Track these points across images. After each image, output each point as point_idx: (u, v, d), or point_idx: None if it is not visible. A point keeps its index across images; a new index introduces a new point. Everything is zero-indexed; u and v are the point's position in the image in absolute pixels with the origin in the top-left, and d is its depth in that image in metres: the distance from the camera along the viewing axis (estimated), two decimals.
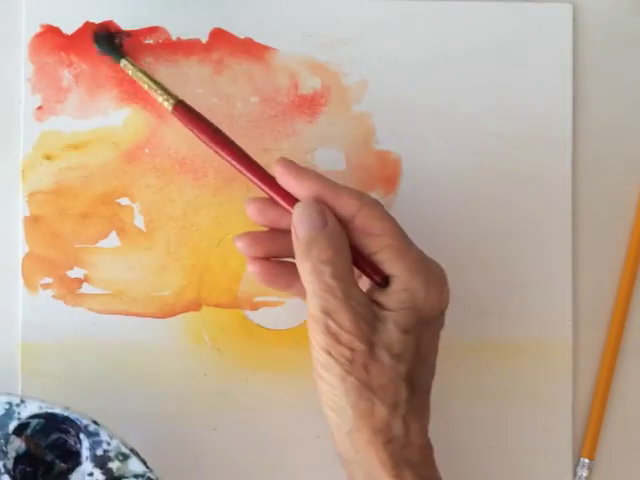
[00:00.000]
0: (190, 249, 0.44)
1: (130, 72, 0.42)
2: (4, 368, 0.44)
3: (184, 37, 0.44)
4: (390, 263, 0.37)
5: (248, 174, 0.39)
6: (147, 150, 0.44)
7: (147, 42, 0.44)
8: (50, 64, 0.44)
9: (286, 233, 0.38)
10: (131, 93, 0.44)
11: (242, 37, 0.44)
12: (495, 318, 0.45)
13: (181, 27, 0.44)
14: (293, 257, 0.38)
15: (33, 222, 0.44)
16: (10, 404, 0.39)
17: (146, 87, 0.41)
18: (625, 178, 0.46)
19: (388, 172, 0.45)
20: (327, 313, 0.35)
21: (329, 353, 0.35)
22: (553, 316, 0.45)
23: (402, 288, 0.36)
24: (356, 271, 0.38)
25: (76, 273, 0.44)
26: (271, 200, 0.38)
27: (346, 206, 0.37)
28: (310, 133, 0.45)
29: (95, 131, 0.44)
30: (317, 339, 0.36)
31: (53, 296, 0.44)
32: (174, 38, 0.44)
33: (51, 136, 0.44)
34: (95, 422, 0.39)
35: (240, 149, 0.39)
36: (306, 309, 0.44)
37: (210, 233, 0.44)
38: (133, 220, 0.44)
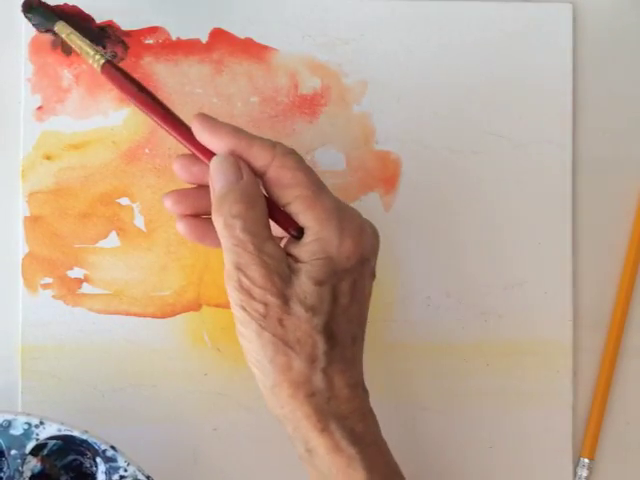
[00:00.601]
0: (190, 249, 0.44)
1: (64, 35, 0.41)
2: (4, 368, 0.44)
3: (184, 37, 0.44)
4: (302, 214, 0.36)
5: (170, 130, 0.38)
6: (147, 150, 0.44)
7: (147, 42, 0.44)
8: (50, 64, 0.44)
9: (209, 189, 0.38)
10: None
11: (242, 37, 0.44)
12: (495, 318, 0.45)
13: (181, 27, 0.44)
14: None
15: (33, 222, 0.44)
16: (29, 425, 0.39)
17: (78, 50, 0.41)
18: (625, 178, 0.46)
19: (388, 172, 0.45)
20: (239, 268, 0.35)
21: (244, 309, 0.35)
22: (553, 316, 0.45)
23: (313, 239, 0.36)
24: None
25: (76, 273, 0.44)
26: (195, 156, 0.38)
27: (259, 157, 0.36)
28: (310, 133, 0.45)
29: (95, 131, 0.44)
30: (232, 295, 0.35)
31: (53, 296, 0.44)
32: (174, 38, 0.44)
33: (51, 136, 0.44)
34: (113, 447, 0.39)
35: (164, 106, 0.39)
36: None
37: None
38: (133, 220, 0.44)
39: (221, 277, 0.44)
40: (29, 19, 0.42)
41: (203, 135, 0.37)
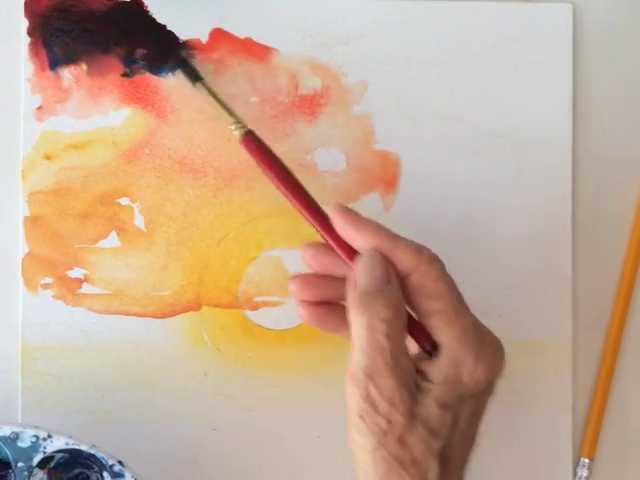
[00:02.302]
0: (190, 249, 0.44)
1: (205, 93, 0.41)
2: (4, 368, 0.44)
3: (184, 37, 0.44)
4: (440, 330, 0.35)
5: (308, 216, 0.38)
6: (147, 150, 0.44)
7: None
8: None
9: (338, 280, 0.36)
10: (131, 93, 0.44)
11: (242, 37, 0.44)
12: (495, 318, 0.45)
13: (181, 27, 0.44)
14: (340, 302, 0.37)
15: (33, 222, 0.44)
16: (37, 437, 0.39)
17: (217, 110, 0.41)
18: (625, 178, 0.46)
19: (388, 172, 0.45)
20: (370, 376, 0.33)
21: (363, 419, 0.33)
22: (553, 316, 0.45)
23: (448, 359, 0.34)
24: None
25: (76, 273, 0.44)
26: (327, 246, 0.37)
27: (403, 261, 0.35)
28: (310, 133, 0.45)
29: (95, 131, 0.44)
30: (353, 403, 0.34)
31: (53, 296, 0.44)
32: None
33: (51, 136, 0.44)
34: (120, 462, 0.39)
35: (303, 189, 0.38)
36: None
37: (210, 233, 0.44)
38: (133, 220, 0.44)
39: (221, 277, 0.44)
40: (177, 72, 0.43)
41: (346, 229, 0.36)
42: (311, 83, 0.45)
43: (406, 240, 0.36)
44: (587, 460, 0.45)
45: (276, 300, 0.45)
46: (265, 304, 0.44)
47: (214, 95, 0.41)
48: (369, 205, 0.45)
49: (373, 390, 0.33)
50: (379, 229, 0.36)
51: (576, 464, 0.46)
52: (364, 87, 0.45)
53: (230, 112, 0.40)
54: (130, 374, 0.44)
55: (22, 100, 0.44)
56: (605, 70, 0.46)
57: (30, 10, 0.43)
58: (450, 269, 0.44)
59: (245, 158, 0.44)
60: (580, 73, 0.46)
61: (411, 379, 0.34)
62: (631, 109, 0.46)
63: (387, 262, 0.35)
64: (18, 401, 0.43)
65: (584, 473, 0.45)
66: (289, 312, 0.44)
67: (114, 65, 0.43)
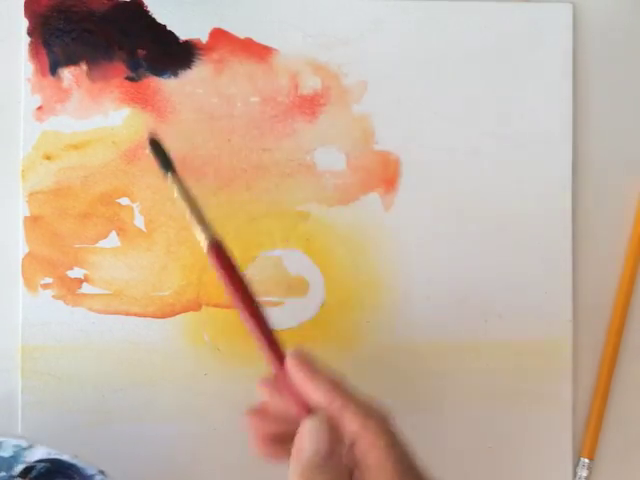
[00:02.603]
0: (190, 249, 0.44)
1: (175, 190, 0.38)
2: (4, 368, 0.44)
3: (184, 37, 0.44)
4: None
5: (262, 344, 0.35)
6: (147, 150, 0.44)
7: None
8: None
9: (289, 419, 0.35)
10: (131, 93, 0.44)
11: (242, 37, 0.44)
12: (495, 318, 0.45)
13: (181, 27, 0.44)
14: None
15: (33, 222, 0.44)
16: (18, 447, 0.39)
17: (186, 213, 0.37)
18: (625, 178, 0.46)
19: (388, 172, 0.45)
20: None
21: None
22: (553, 316, 0.45)
23: None
24: None
25: (76, 273, 0.44)
26: (277, 386, 0.36)
27: (351, 426, 0.34)
28: (310, 133, 0.45)
29: (95, 131, 0.44)
30: None
31: (53, 296, 0.44)
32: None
33: (51, 136, 0.44)
34: (102, 472, 0.39)
35: (263, 318, 0.35)
36: (306, 310, 0.45)
37: None
38: (133, 220, 0.44)
39: None
40: (151, 152, 0.38)
41: (298, 377, 0.35)
42: (311, 83, 0.45)
43: (357, 402, 0.34)
44: (587, 460, 0.45)
45: (276, 300, 0.45)
46: (265, 304, 0.44)
47: (184, 195, 0.37)
48: (369, 205, 0.45)
49: None
50: (333, 386, 0.34)
51: (576, 464, 0.46)
52: (364, 87, 0.45)
53: (200, 219, 0.37)
54: (130, 374, 0.44)
55: (22, 100, 0.44)
56: (605, 70, 0.46)
57: (30, 10, 0.43)
58: (450, 269, 0.44)
59: (245, 158, 0.44)
60: (580, 73, 0.46)
61: None
62: (631, 109, 0.46)
63: (334, 431, 0.34)
64: (18, 401, 0.43)
65: (584, 473, 0.45)
66: (289, 312, 0.44)
67: (119, 69, 0.43)
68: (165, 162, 0.38)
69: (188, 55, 0.44)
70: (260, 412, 0.37)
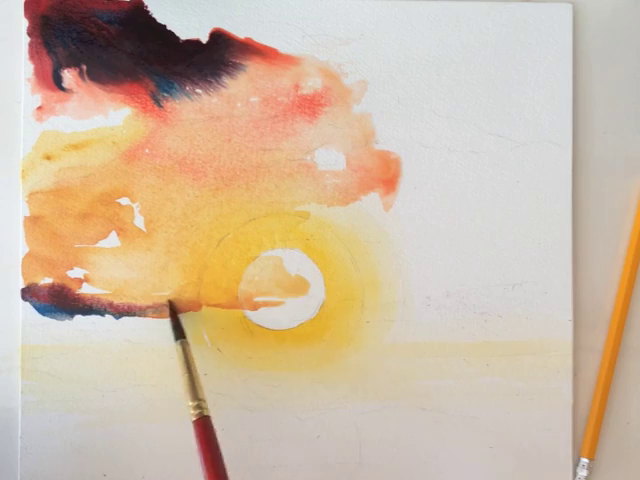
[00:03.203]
0: (190, 249, 0.44)
1: (178, 354, 0.41)
2: (4, 368, 0.44)
3: (184, 37, 0.44)
4: None
5: None
6: (147, 150, 0.44)
7: None
8: (50, 64, 0.44)
9: None
10: (131, 93, 0.44)
11: (242, 37, 0.44)
12: (495, 318, 0.45)
13: (181, 27, 0.44)
14: None
15: (33, 222, 0.44)
16: None
17: (182, 380, 0.40)
18: (625, 178, 0.46)
19: (388, 172, 0.45)
20: None
21: None
22: (553, 316, 0.45)
23: None
24: None
25: (76, 273, 0.44)
26: None
27: None
28: (310, 133, 0.45)
29: (95, 131, 0.44)
30: None
31: (53, 296, 0.44)
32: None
33: (51, 136, 0.44)
34: None
35: None
36: (305, 310, 0.45)
37: (210, 233, 0.44)
38: (133, 220, 0.44)
39: (221, 277, 0.44)
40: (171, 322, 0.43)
41: None
42: (311, 83, 0.45)
43: None
44: (587, 460, 0.45)
45: (276, 300, 0.45)
46: (265, 304, 0.44)
47: (186, 363, 0.41)
48: (369, 205, 0.45)
49: None
50: None
51: (576, 464, 0.46)
52: (364, 87, 0.45)
53: (196, 389, 0.39)
54: (130, 374, 0.44)
55: (22, 100, 0.44)
56: (605, 70, 0.46)
57: (30, 10, 0.43)
58: (450, 269, 0.44)
59: (245, 158, 0.44)
60: (580, 73, 0.46)
61: None
62: (631, 109, 0.46)
63: None
64: (18, 401, 0.43)
65: (584, 473, 0.45)
66: (289, 312, 0.44)
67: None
68: (178, 330, 0.42)
69: (188, 55, 0.44)
70: None
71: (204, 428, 0.38)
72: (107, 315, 0.44)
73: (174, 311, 0.43)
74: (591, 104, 0.46)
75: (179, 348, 0.42)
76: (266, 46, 0.45)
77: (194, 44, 0.44)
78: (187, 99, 0.44)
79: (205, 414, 0.39)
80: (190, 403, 0.39)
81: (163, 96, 0.44)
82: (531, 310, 0.45)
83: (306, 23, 0.45)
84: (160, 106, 0.44)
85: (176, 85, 0.44)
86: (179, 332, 0.42)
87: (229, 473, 0.44)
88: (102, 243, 0.44)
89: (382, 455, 0.45)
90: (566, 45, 0.46)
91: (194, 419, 0.39)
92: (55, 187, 0.44)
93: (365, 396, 0.45)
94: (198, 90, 0.44)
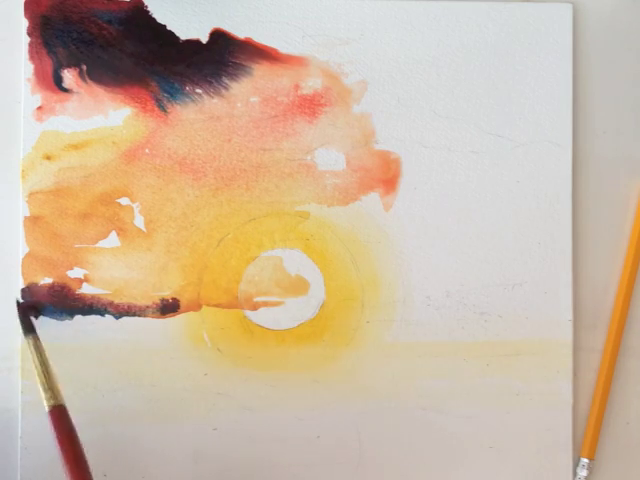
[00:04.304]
0: (190, 249, 0.44)
1: (30, 349, 0.41)
2: (4, 368, 0.44)
3: (184, 37, 0.44)
4: None
5: None
6: (147, 150, 0.44)
7: None
8: (50, 64, 0.44)
9: None
10: (131, 93, 0.44)
11: (242, 37, 0.44)
12: (495, 318, 0.45)
13: (181, 27, 0.44)
14: None
15: (33, 222, 0.44)
16: None
17: (35, 372, 0.41)
18: (625, 178, 0.46)
19: (388, 172, 0.45)
20: None
21: None
22: (553, 316, 0.45)
23: None
24: None
25: (76, 273, 0.44)
26: None
27: None
28: (310, 133, 0.45)
29: (95, 131, 0.44)
30: None
31: (53, 296, 0.44)
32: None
33: (51, 136, 0.44)
34: None
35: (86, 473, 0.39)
36: (305, 310, 0.45)
37: (210, 233, 0.44)
38: (133, 220, 0.44)
39: (221, 277, 0.44)
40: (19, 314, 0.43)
41: None
42: (311, 83, 0.45)
43: None
44: (587, 460, 0.45)
45: (276, 300, 0.45)
46: (265, 304, 0.44)
47: (38, 358, 0.41)
48: (369, 205, 0.45)
49: None
50: None
51: (576, 464, 0.46)
52: (364, 87, 0.45)
53: (48, 382, 0.40)
54: (130, 374, 0.44)
55: (22, 100, 0.44)
56: (605, 70, 0.46)
57: (30, 10, 0.43)
58: (450, 269, 0.44)
59: (245, 158, 0.44)
60: (580, 73, 0.46)
61: None
62: (631, 109, 0.46)
63: None
64: (18, 401, 0.43)
65: (584, 473, 0.45)
66: (289, 312, 0.44)
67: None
68: (27, 326, 0.42)
69: (188, 55, 0.44)
70: None
71: (59, 418, 0.39)
72: (107, 315, 0.44)
73: (22, 306, 0.43)
74: (591, 104, 0.46)
75: (31, 343, 0.41)
76: (266, 46, 0.45)
77: (194, 44, 0.44)
78: (187, 100, 0.44)
79: (59, 403, 0.39)
80: (43, 394, 0.40)
81: (164, 96, 0.44)
82: (531, 310, 0.45)
83: (306, 23, 0.45)
84: (164, 111, 0.44)
85: (176, 85, 0.44)
86: (28, 328, 0.42)
87: (229, 473, 0.44)
88: (102, 243, 0.44)
89: (382, 455, 0.45)
90: (566, 45, 0.46)
91: (48, 410, 0.39)
92: (55, 187, 0.44)
93: (365, 396, 0.45)
94: (198, 90, 0.44)
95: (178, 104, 0.44)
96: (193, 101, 0.44)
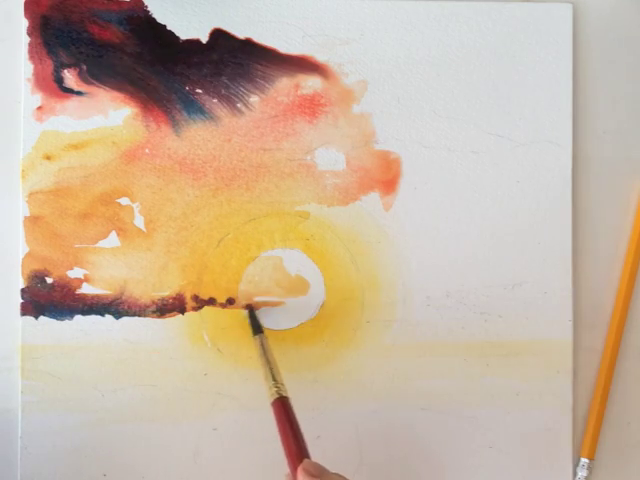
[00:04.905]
0: (190, 249, 0.44)
1: (258, 347, 0.42)
2: (4, 368, 0.44)
3: (184, 37, 0.44)
4: None
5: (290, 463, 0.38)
6: (147, 150, 0.44)
7: None
8: (50, 64, 0.44)
9: None
10: (131, 93, 0.44)
11: (242, 37, 0.44)
12: (495, 318, 0.45)
13: (181, 27, 0.44)
14: None
15: (33, 222, 0.44)
16: None
17: (262, 368, 0.41)
18: (625, 178, 0.46)
19: (388, 172, 0.45)
20: None
21: None
22: (553, 316, 0.45)
23: None
24: None
25: (76, 273, 0.44)
26: None
27: None
28: (310, 133, 0.45)
29: (95, 131, 0.44)
30: None
31: (53, 296, 0.44)
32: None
33: (51, 136, 0.44)
34: None
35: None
36: (306, 309, 0.45)
37: (210, 233, 0.44)
38: (133, 220, 0.44)
39: (221, 277, 0.44)
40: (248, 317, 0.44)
41: None
42: (311, 83, 0.45)
43: None
44: (587, 460, 0.45)
45: (276, 300, 0.45)
46: (265, 304, 0.44)
47: (265, 356, 0.42)
48: (369, 205, 0.45)
49: None
50: None
51: (576, 464, 0.46)
52: (364, 87, 0.45)
53: (274, 374, 0.41)
54: (130, 374, 0.44)
55: (22, 100, 0.44)
56: (605, 70, 0.46)
57: (30, 10, 0.43)
58: (450, 269, 0.44)
59: (245, 158, 0.44)
60: (580, 73, 0.46)
61: None
62: (631, 109, 0.46)
63: None
64: (18, 401, 0.43)
65: (584, 473, 0.45)
66: (289, 312, 0.44)
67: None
68: (256, 326, 0.43)
69: (188, 55, 0.44)
70: None
71: (282, 407, 0.39)
72: (107, 315, 0.44)
73: (252, 310, 0.44)
74: (591, 104, 0.46)
75: (257, 342, 0.43)
76: (266, 46, 0.45)
77: (194, 44, 0.44)
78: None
79: (284, 395, 0.40)
80: (269, 386, 0.40)
81: (164, 95, 0.44)
82: (531, 310, 0.45)
83: (306, 23, 0.45)
84: (160, 106, 0.44)
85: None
86: (257, 328, 0.43)
87: (229, 473, 0.44)
88: (102, 243, 0.44)
89: (382, 455, 0.45)
90: (566, 45, 0.46)
91: (272, 400, 0.39)
92: (55, 187, 0.44)
93: (365, 396, 0.45)
94: (198, 90, 0.44)
95: (178, 104, 0.44)
96: (193, 101, 0.44)
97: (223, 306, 0.44)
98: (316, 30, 0.45)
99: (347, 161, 0.45)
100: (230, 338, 0.44)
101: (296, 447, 0.38)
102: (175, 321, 0.44)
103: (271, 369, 0.41)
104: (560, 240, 0.46)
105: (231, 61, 0.44)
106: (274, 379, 0.40)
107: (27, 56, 0.44)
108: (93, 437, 0.44)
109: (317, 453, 0.44)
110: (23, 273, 0.44)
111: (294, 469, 0.38)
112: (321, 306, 0.45)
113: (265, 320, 0.44)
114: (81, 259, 0.44)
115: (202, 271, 0.44)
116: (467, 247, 0.45)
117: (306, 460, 0.38)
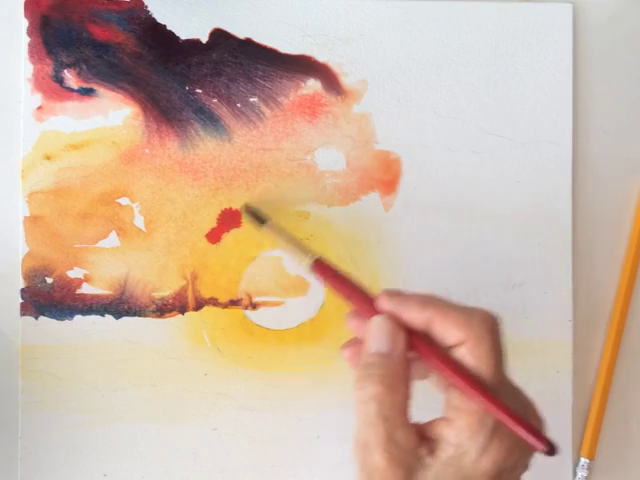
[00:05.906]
0: (190, 249, 0.44)
1: (272, 234, 0.42)
2: (4, 368, 0.44)
3: (184, 37, 0.44)
4: (456, 411, 0.33)
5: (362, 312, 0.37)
6: (147, 150, 0.44)
7: None
8: (50, 64, 0.44)
9: None
10: (131, 93, 0.44)
11: (242, 37, 0.44)
12: None
13: (181, 27, 0.44)
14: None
15: (33, 222, 0.44)
16: None
17: (286, 248, 0.41)
18: (625, 178, 0.46)
19: (388, 172, 0.45)
20: (365, 449, 0.33)
21: None
22: (553, 316, 0.45)
23: (454, 443, 0.33)
24: None
25: (76, 273, 0.44)
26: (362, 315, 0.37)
27: (452, 335, 0.34)
28: (310, 133, 0.45)
29: (95, 131, 0.44)
30: (357, 469, 0.33)
31: (53, 296, 0.44)
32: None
33: (51, 136, 0.44)
34: None
35: (372, 301, 0.37)
36: (305, 310, 0.45)
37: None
38: (133, 220, 0.44)
39: (221, 277, 0.44)
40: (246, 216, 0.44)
41: (390, 307, 0.35)
42: (311, 83, 0.45)
43: (457, 310, 0.34)
44: (587, 460, 0.45)
45: (276, 300, 0.45)
46: (265, 304, 0.44)
47: (282, 235, 0.41)
48: (369, 205, 0.45)
49: (368, 461, 0.33)
50: (425, 303, 0.34)
51: (576, 464, 0.46)
52: (364, 87, 0.45)
53: (298, 247, 0.40)
54: (130, 374, 0.44)
55: (22, 100, 0.44)
56: (605, 70, 0.46)
57: (30, 10, 0.43)
58: (450, 269, 0.44)
59: (245, 158, 0.44)
60: (580, 73, 0.46)
61: (407, 455, 0.33)
62: (631, 109, 0.46)
63: (394, 330, 0.35)
64: (18, 401, 0.43)
65: (584, 473, 0.45)
66: (289, 312, 0.44)
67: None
68: (260, 219, 0.43)
69: (188, 55, 0.44)
70: (353, 345, 0.37)
71: (324, 265, 0.38)
72: (107, 315, 0.44)
73: (247, 206, 0.43)
74: (591, 104, 0.46)
75: (268, 230, 0.42)
76: (266, 46, 0.45)
77: (194, 44, 0.44)
78: (187, 99, 0.44)
79: (318, 257, 0.39)
80: (301, 258, 0.39)
81: (163, 95, 0.44)
82: (531, 310, 0.45)
83: (306, 23, 0.45)
84: (160, 106, 0.44)
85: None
86: (260, 220, 0.42)
87: (229, 473, 0.44)
88: (102, 243, 0.44)
89: None
90: (566, 45, 0.46)
91: (311, 263, 0.39)
92: (55, 187, 0.44)
93: None
94: (198, 90, 0.44)
95: (178, 104, 0.44)
96: (193, 101, 0.44)
97: (223, 306, 0.44)
98: (316, 30, 0.45)
99: (347, 161, 0.45)
100: (230, 338, 0.44)
101: (359, 287, 0.37)
102: (175, 321, 0.44)
103: (295, 244, 0.40)
104: (560, 240, 0.46)
105: (231, 61, 0.44)
106: (302, 251, 0.39)
107: (27, 56, 0.44)
108: (93, 437, 0.44)
109: (317, 453, 0.44)
110: (23, 273, 0.44)
111: (367, 309, 0.36)
112: (321, 306, 0.45)
113: (265, 320, 0.44)
114: (81, 259, 0.44)
115: (202, 271, 0.44)
116: (467, 247, 0.45)
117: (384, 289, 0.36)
